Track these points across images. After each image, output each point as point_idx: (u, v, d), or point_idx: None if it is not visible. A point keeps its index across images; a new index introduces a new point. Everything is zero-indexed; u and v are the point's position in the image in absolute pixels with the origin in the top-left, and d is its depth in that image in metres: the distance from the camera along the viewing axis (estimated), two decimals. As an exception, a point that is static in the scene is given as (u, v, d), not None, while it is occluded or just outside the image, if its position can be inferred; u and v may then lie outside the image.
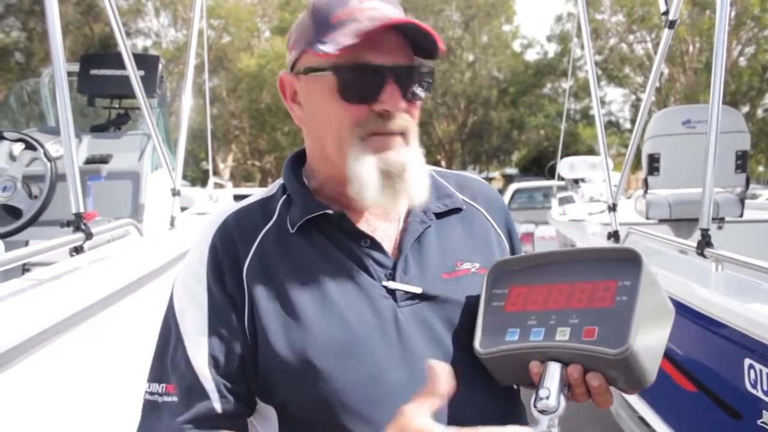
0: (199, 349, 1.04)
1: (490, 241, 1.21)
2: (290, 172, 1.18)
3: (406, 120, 1.08)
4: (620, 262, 0.98)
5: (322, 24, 1.06)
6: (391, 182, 1.06)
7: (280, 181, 1.21)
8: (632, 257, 0.98)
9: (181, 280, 1.12)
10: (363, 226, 1.12)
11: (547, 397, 0.91)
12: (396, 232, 1.14)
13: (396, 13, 1.07)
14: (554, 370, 0.94)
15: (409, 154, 1.09)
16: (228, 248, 1.09)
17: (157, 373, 1.07)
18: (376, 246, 1.10)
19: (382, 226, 1.14)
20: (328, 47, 1.02)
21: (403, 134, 1.09)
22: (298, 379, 1.02)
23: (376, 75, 1.04)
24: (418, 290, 1.08)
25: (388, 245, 1.12)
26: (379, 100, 1.05)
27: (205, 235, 1.12)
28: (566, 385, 0.94)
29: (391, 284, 1.08)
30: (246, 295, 1.06)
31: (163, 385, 1.05)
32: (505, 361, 1.00)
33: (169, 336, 1.08)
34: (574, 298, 0.99)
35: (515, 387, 1.15)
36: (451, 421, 0.97)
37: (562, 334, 0.95)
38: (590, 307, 0.96)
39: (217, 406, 1.03)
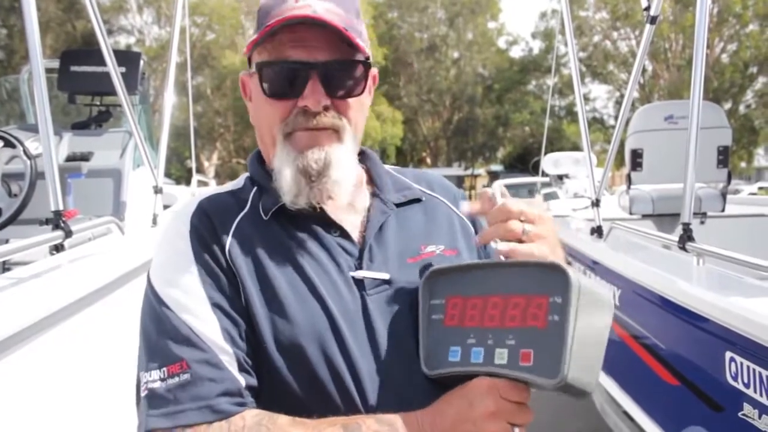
0: (207, 322, 1.01)
1: (453, 226, 1.23)
2: (256, 165, 1.20)
3: (335, 117, 1.09)
4: (550, 277, 0.96)
5: (259, 26, 1.09)
6: (310, 182, 1.07)
7: (245, 175, 1.22)
8: (561, 272, 0.95)
9: (162, 264, 1.09)
10: (331, 215, 1.13)
11: None
12: (360, 222, 1.16)
13: (331, 9, 1.06)
14: None
15: (336, 151, 1.09)
16: (208, 228, 1.09)
17: (156, 359, 1.00)
18: (345, 235, 1.12)
19: (349, 217, 1.15)
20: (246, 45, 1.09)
21: (335, 131, 1.10)
22: (283, 368, 1.01)
23: (298, 71, 1.06)
24: (386, 276, 1.10)
25: (355, 235, 1.13)
26: (302, 96, 1.07)
27: (182, 218, 1.11)
28: None
29: (359, 273, 1.09)
30: (237, 274, 1.05)
31: (165, 368, 0.98)
32: (451, 379, 1.01)
33: (161, 321, 1.02)
34: (508, 314, 0.98)
35: None
36: (421, 403, 1.00)
37: (501, 358, 0.96)
38: (524, 326, 0.96)
39: (241, 379, 1.00)
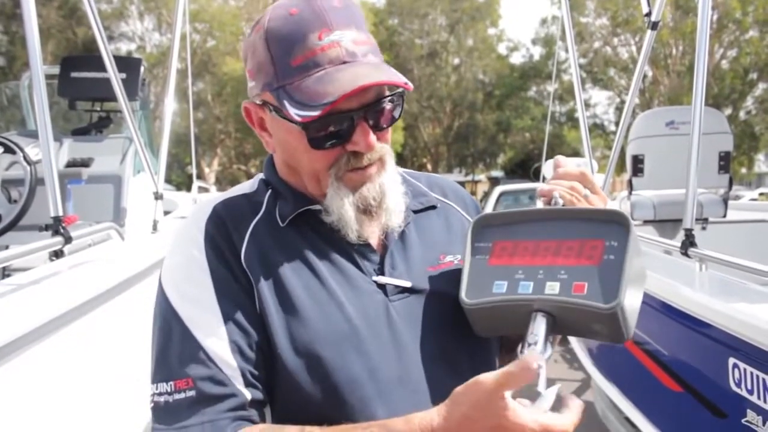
0: (215, 336, 1.00)
1: (466, 233, 1.22)
2: (273, 170, 1.17)
3: (381, 148, 1.08)
4: (608, 224, 1.02)
5: (281, 65, 1.01)
6: (369, 215, 1.10)
7: (259, 176, 1.20)
8: (620, 220, 1.01)
9: (175, 272, 1.07)
10: None
11: (535, 343, 0.96)
12: (379, 229, 1.14)
13: (357, 40, 1.01)
14: (541, 319, 0.99)
15: (385, 178, 1.10)
16: (223, 234, 1.07)
17: (165, 372, 1.00)
18: (363, 240, 1.11)
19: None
20: (294, 110, 0.98)
21: (379, 159, 1.09)
22: (300, 374, 1.00)
23: (346, 120, 1.02)
24: (408, 284, 1.09)
25: (373, 241, 1.12)
26: (351, 141, 1.03)
27: (196, 223, 1.09)
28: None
29: (382, 279, 1.08)
30: (252, 281, 1.04)
31: (172, 382, 0.98)
32: (490, 312, 1.03)
33: (170, 332, 1.02)
34: (561, 254, 1.03)
35: None
36: None
37: (552, 289, 0.99)
38: (578, 264, 1.01)
39: (246, 393, 0.99)
